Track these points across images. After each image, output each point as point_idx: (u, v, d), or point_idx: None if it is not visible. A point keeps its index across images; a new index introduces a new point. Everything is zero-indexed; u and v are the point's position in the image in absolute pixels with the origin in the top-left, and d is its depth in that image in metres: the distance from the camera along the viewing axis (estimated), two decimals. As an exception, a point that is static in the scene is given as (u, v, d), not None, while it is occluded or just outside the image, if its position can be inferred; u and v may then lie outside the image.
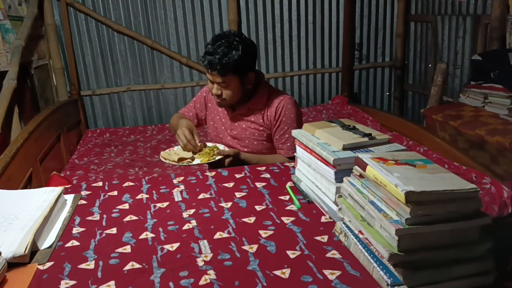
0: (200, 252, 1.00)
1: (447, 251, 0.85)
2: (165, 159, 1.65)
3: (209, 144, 1.81)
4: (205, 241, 1.05)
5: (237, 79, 1.68)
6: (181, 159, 1.63)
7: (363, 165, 0.95)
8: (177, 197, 1.31)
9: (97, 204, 1.28)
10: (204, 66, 1.68)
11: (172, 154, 1.68)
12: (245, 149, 1.81)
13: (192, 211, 1.21)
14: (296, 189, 1.32)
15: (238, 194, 1.31)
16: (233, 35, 1.67)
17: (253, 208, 1.22)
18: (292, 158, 1.76)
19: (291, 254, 0.98)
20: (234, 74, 1.66)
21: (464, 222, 0.84)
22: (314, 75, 3.99)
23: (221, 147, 1.76)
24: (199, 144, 1.69)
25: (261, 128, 1.81)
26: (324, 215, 1.16)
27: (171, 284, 0.88)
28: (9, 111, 2.24)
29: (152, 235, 1.09)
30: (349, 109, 3.53)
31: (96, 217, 1.20)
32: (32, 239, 0.98)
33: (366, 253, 0.90)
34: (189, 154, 1.67)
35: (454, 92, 3.39)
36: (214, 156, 1.64)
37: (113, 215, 1.21)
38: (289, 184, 1.37)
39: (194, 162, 1.64)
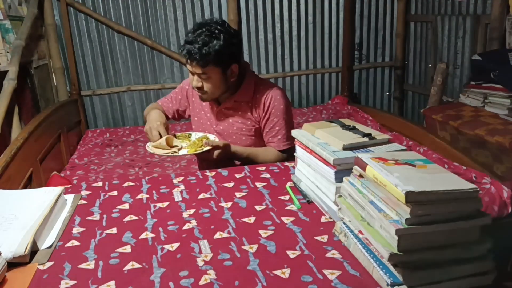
0: (200, 252, 1.00)
1: (447, 251, 0.85)
2: (150, 149, 1.59)
3: (199, 134, 1.73)
4: (205, 241, 1.05)
5: (218, 70, 1.58)
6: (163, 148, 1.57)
7: (363, 165, 0.95)
8: (177, 197, 1.31)
9: (97, 204, 1.28)
10: (183, 56, 1.59)
11: (159, 144, 1.61)
12: None
13: (192, 211, 1.21)
14: (296, 189, 1.32)
15: (238, 194, 1.31)
16: (215, 23, 1.57)
17: (253, 208, 1.22)
18: (284, 152, 1.72)
19: (291, 254, 0.98)
20: (215, 65, 1.56)
21: (464, 222, 0.84)
22: (314, 75, 3.99)
23: (212, 137, 1.68)
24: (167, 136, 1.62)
25: (249, 122, 1.73)
26: (324, 215, 1.16)
27: (171, 284, 0.88)
28: (9, 111, 2.24)
29: (152, 235, 1.09)
30: (349, 109, 3.53)
31: (96, 217, 1.20)
32: (32, 239, 0.98)
33: (366, 253, 0.90)
34: (178, 144, 1.61)
35: (454, 92, 3.39)
36: (202, 147, 1.57)
37: (113, 215, 1.21)
38: (289, 184, 1.37)
39: (181, 153, 1.58)
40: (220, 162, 1.62)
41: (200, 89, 1.63)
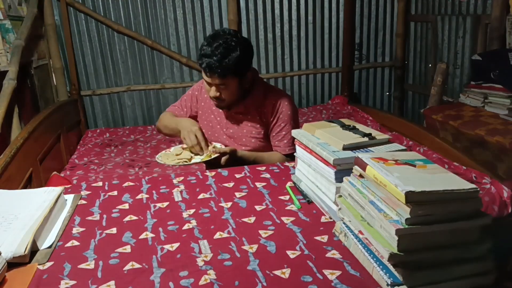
0: (200, 252, 1.00)
1: (447, 251, 0.85)
2: (161, 160, 1.63)
3: None
4: (205, 241, 1.05)
5: (236, 80, 1.66)
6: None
7: (363, 165, 0.95)
8: (177, 197, 1.31)
9: (97, 204, 1.28)
10: (202, 69, 1.64)
11: (169, 155, 1.67)
12: (243, 148, 1.79)
13: (192, 211, 1.21)
14: (296, 189, 1.32)
15: (238, 194, 1.31)
16: (229, 35, 1.63)
17: (253, 208, 1.22)
18: (289, 156, 1.76)
19: (291, 254, 0.98)
20: (234, 75, 1.64)
21: (464, 222, 0.84)
22: (314, 75, 3.99)
23: (219, 145, 1.75)
24: (209, 147, 1.67)
25: (258, 126, 1.79)
26: (324, 215, 1.16)
27: (171, 284, 0.88)
28: (9, 111, 2.24)
29: (152, 235, 1.09)
30: (349, 109, 3.53)
31: (96, 217, 1.20)
32: (32, 239, 0.98)
33: (366, 253, 0.90)
34: (188, 155, 1.66)
35: (454, 92, 3.39)
36: (211, 155, 1.64)
37: (113, 215, 1.21)
38: (289, 184, 1.37)
39: (192, 161, 1.64)
40: (229, 167, 1.65)
41: (218, 98, 1.69)
